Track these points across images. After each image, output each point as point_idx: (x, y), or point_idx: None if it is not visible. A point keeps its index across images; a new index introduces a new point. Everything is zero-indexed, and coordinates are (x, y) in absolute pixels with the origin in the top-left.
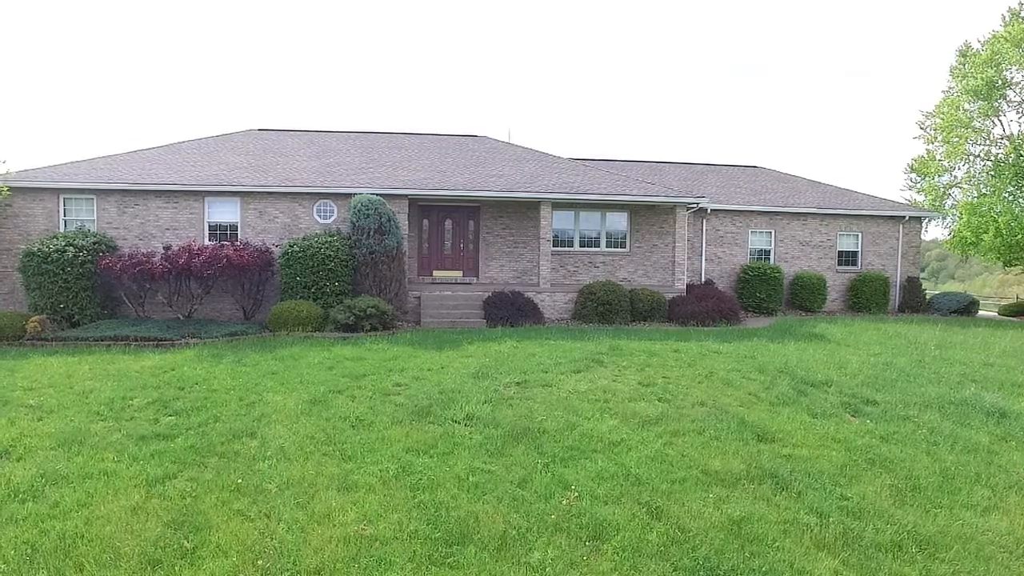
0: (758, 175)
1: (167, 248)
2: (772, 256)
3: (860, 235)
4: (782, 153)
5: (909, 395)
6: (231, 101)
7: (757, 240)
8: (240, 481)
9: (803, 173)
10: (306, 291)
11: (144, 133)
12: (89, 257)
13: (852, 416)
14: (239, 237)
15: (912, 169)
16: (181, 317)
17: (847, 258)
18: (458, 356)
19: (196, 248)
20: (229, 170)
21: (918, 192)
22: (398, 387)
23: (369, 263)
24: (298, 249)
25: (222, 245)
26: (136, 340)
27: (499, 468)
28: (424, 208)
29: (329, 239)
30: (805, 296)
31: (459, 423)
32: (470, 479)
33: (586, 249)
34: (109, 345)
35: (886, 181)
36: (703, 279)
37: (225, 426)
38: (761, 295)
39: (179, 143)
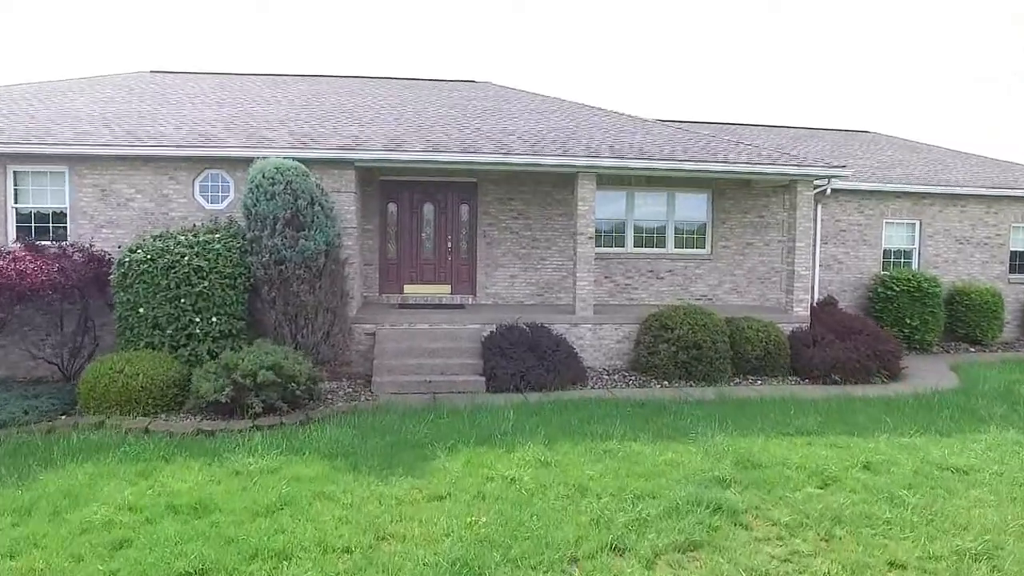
0: (876, 143)
1: None
2: (916, 259)
3: None
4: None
5: None
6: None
7: (895, 235)
8: None
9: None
10: (158, 332)
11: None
12: None
13: None
14: (68, 233)
15: None
16: None
17: (1022, 261)
18: (421, 496)
19: None
20: (61, 121)
21: None
22: None
23: (275, 280)
24: (143, 256)
25: None
26: None
27: None
28: (389, 185)
29: (207, 237)
30: (972, 320)
31: None
32: None
33: (644, 250)
34: None
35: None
36: (816, 295)
37: None
38: (912, 321)
39: (7, 86)
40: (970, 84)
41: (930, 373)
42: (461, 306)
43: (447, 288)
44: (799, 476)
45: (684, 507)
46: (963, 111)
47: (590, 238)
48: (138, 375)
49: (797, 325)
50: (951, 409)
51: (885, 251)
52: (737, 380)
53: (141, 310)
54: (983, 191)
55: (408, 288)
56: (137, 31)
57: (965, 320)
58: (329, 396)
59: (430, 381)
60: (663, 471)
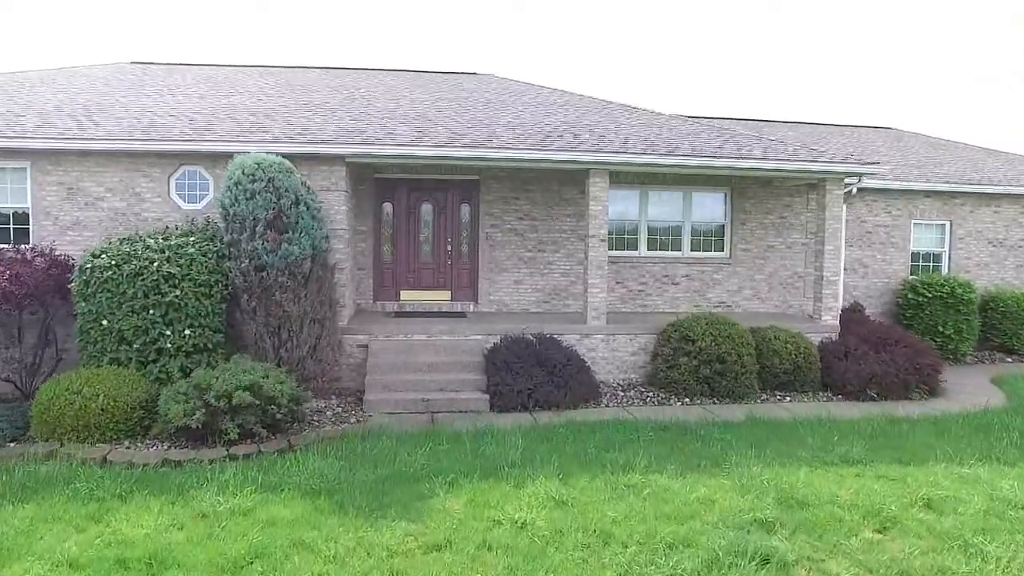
0: (900, 139)
1: None
2: (946, 262)
3: None
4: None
5: None
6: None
7: (923, 237)
8: None
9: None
10: (124, 347)
11: None
12: None
13: None
14: (30, 235)
15: None
16: None
17: None
18: (417, 546)
19: None
20: (25, 112)
21: None
22: None
23: (255, 288)
24: (107, 261)
25: None
26: None
27: None
28: (384, 184)
29: (179, 240)
30: (1007, 328)
31: None
32: None
33: (658, 253)
34: None
35: None
36: (840, 301)
37: None
38: (946, 329)
39: None
40: (970, 84)
41: (971, 388)
42: (462, 314)
43: (447, 294)
44: (852, 517)
45: (725, 559)
46: (963, 111)
47: (603, 240)
48: (98, 396)
49: (826, 335)
50: (1009, 432)
51: (913, 254)
52: (764, 396)
53: (105, 322)
54: (1018, 190)
55: (405, 295)
56: (140, 34)
57: (1000, 328)
58: (315, 418)
59: (428, 399)
60: (696, 511)
